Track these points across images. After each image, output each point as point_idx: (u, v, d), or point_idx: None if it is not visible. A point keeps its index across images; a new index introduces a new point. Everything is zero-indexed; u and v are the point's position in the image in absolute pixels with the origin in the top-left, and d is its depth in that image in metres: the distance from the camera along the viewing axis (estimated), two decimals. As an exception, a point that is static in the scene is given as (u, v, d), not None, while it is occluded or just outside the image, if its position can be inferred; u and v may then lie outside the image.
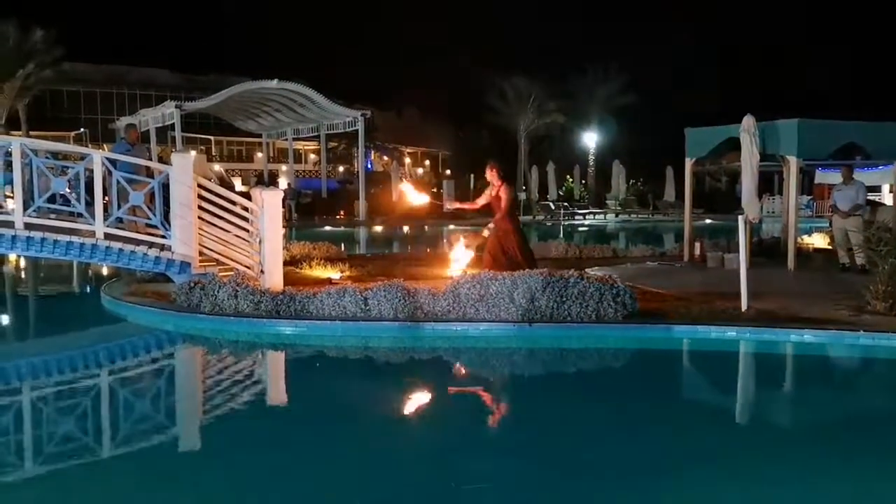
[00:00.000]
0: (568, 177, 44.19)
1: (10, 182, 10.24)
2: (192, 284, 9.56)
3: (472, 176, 36.60)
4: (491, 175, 11.05)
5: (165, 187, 10.56)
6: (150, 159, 14.77)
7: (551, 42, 58.08)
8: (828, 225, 15.96)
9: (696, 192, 16.23)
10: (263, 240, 10.10)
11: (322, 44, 71.53)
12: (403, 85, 57.18)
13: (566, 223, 33.35)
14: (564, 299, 8.51)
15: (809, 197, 33.25)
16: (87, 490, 4.78)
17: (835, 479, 4.92)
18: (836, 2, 57.73)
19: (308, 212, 34.13)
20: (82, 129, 48.26)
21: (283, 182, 38.48)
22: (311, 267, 12.16)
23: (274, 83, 32.12)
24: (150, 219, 10.66)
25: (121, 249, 10.28)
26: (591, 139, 46.23)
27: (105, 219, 10.35)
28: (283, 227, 10.63)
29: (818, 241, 16.49)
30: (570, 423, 6.16)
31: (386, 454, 5.36)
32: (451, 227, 30.93)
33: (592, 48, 49.05)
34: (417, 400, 6.92)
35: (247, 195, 11.67)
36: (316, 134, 39.86)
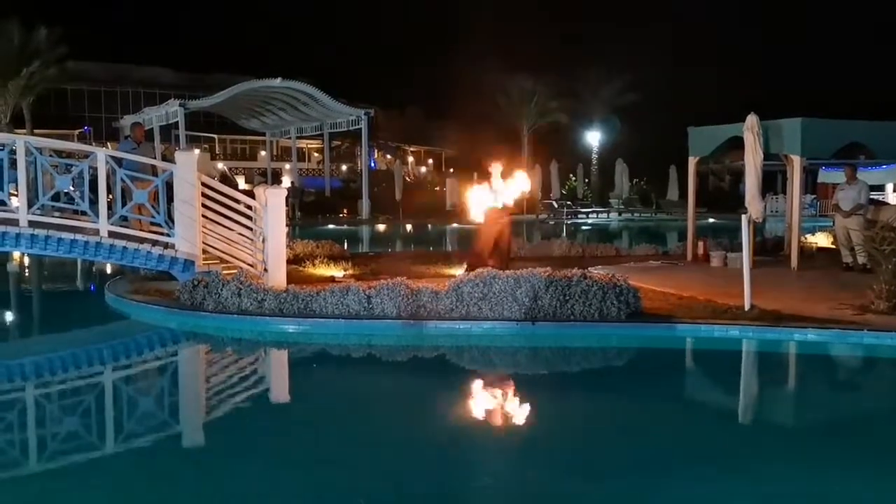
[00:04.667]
0: (571, 175, 44.13)
1: (14, 180, 10.25)
2: (196, 282, 9.58)
3: (475, 174, 36.60)
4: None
5: (169, 186, 10.58)
6: (155, 158, 14.78)
7: (555, 40, 58.08)
8: (831, 224, 15.93)
9: (699, 191, 16.20)
10: (267, 238, 10.12)
11: (326, 43, 71.50)
12: (407, 84, 57.25)
13: (569, 222, 33.34)
14: (568, 298, 8.51)
15: (813, 196, 33.20)
16: (91, 487, 4.79)
17: (838, 478, 4.92)
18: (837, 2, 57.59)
19: (311, 210, 34.16)
20: (86, 128, 48.31)
21: (286, 180, 38.49)
22: (314, 265, 12.17)
23: (278, 82, 32.18)
24: (154, 217, 10.68)
25: (125, 247, 10.30)
26: (594, 138, 46.16)
27: (109, 217, 10.37)
28: (287, 225, 10.63)
29: (821, 240, 16.47)
30: (574, 421, 6.17)
31: (388, 452, 5.37)
32: (455, 225, 31.00)
33: (596, 47, 48.96)
34: (420, 398, 6.92)
35: (250, 193, 11.68)
36: (319, 132, 39.92)
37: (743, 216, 9.58)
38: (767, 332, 8.30)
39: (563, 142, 47.43)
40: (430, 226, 30.70)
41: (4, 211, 10.34)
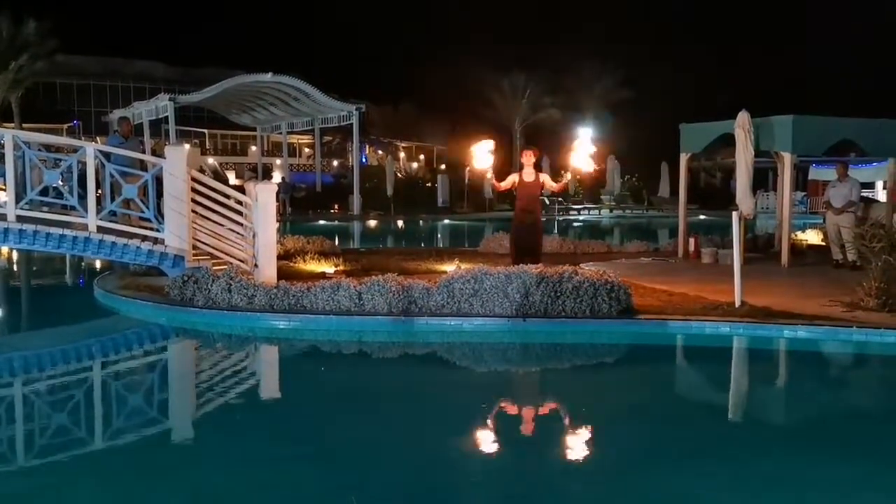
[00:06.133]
0: (563, 171, 44.21)
1: (1, 174, 10.17)
2: (186, 278, 9.53)
3: (467, 170, 36.60)
4: (529, 161, 10.55)
5: (159, 181, 10.51)
6: (144, 152, 14.69)
7: (548, 37, 58.16)
8: (822, 221, 15.98)
9: (690, 187, 16.23)
10: (257, 233, 10.08)
11: (318, 38, 71.36)
12: (399, 79, 57.20)
13: (560, 218, 33.36)
14: (559, 295, 8.51)
15: (803, 193, 33.32)
16: (79, 483, 4.76)
17: (827, 474, 4.93)
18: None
19: (302, 206, 34.07)
20: (75, 122, 48.00)
21: (277, 176, 38.37)
22: (305, 261, 12.12)
23: (268, 76, 32.04)
24: (143, 212, 10.62)
25: (114, 243, 10.24)
26: (586, 134, 46.20)
27: (98, 212, 10.30)
28: (277, 220, 10.58)
29: (812, 237, 16.53)
30: (563, 417, 6.17)
31: (376, 448, 5.34)
32: (446, 221, 31.02)
33: (588, 44, 48.98)
34: (409, 395, 6.90)
35: (241, 189, 11.62)
36: (310, 128, 39.79)
37: (734, 213, 9.59)
38: (758, 329, 8.32)
39: (555, 138, 47.46)
40: (421, 222, 30.68)
41: (-8, 205, 10.26)
